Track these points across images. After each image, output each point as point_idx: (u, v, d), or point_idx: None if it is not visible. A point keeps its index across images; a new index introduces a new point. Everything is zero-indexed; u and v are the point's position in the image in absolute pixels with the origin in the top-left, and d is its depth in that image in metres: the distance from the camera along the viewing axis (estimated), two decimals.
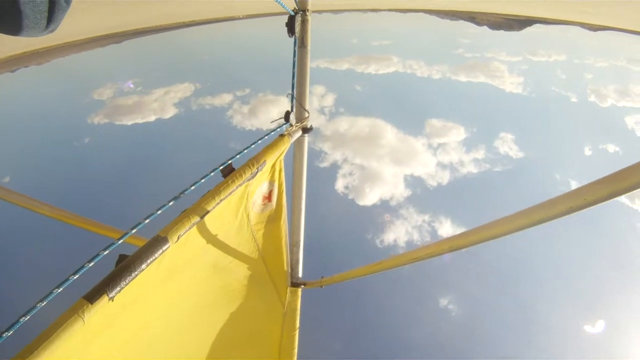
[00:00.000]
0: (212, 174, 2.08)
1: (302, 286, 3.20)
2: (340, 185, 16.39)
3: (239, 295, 2.77)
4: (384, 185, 16.47)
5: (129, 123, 20.34)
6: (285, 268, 3.13)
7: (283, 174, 2.63)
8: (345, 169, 17.30)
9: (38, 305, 1.39)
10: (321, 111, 21.72)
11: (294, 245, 3.07)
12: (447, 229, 14.41)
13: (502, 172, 17.37)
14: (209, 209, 1.91)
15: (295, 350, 2.95)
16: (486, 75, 26.81)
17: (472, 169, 17.59)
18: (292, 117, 2.58)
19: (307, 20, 2.36)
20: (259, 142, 2.37)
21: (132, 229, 1.71)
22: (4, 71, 25.25)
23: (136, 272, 1.56)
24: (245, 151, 2.29)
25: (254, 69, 27.22)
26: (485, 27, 38.75)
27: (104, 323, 1.51)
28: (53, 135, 19.26)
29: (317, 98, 22.96)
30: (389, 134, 19.99)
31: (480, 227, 1.56)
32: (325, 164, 17.55)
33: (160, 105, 21.88)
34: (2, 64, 25.23)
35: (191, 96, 23.33)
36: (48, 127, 20.17)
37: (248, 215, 2.51)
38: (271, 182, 2.59)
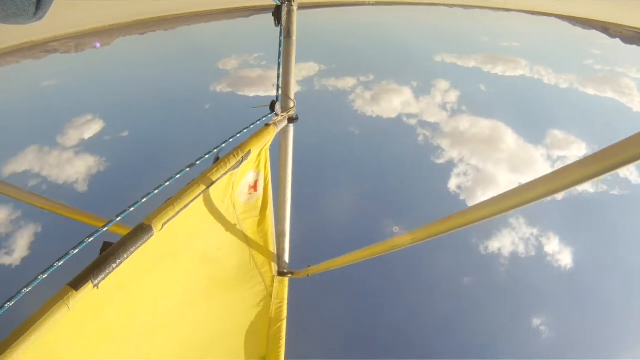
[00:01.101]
0: (197, 162, 2.08)
1: (289, 275, 3.19)
2: (453, 184, 16.09)
3: (226, 285, 2.81)
4: (497, 190, 15.79)
5: (251, 95, 20.79)
6: (272, 258, 3.12)
7: (269, 163, 2.62)
8: (460, 168, 16.94)
9: (23, 290, 1.43)
10: (443, 107, 21.18)
11: (280, 235, 3.08)
12: (554, 246, 13.63)
13: (618, 196, 16.15)
14: (193, 197, 1.93)
15: (283, 340, 2.98)
16: (614, 91, 24.86)
17: (588, 188, 16.54)
18: (278, 106, 2.55)
19: (292, 10, 2.37)
20: (245, 131, 2.36)
21: (117, 216, 1.75)
22: (134, 33, 26.79)
23: (120, 260, 1.58)
24: (231, 140, 2.29)
25: (379, 56, 27.03)
26: (617, 40, 36.16)
27: (89, 310, 1.54)
28: (174, 98, 20.29)
29: (441, 93, 22.47)
30: (509, 139, 19.23)
31: (468, 209, 1.47)
32: (441, 161, 17.22)
33: None
34: (132, 27, 26.73)
35: (315, 76, 23.59)
36: (170, 89, 21.27)
37: (234, 204, 2.53)
38: (257, 172, 2.59)
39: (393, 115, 20.06)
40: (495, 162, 17.74)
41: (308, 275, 2.96)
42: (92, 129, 17.35)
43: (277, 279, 3.16)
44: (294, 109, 2.62)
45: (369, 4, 35.81)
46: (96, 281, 1.49)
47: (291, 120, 2.64)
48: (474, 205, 1.44)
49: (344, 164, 15.91)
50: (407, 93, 22.00)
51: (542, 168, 17.49)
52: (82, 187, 14.01)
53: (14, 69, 23.26)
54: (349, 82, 22.91)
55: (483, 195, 15.52)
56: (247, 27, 30.78)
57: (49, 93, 20.71)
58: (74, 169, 14.84)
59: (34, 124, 17.69)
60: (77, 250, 1.58)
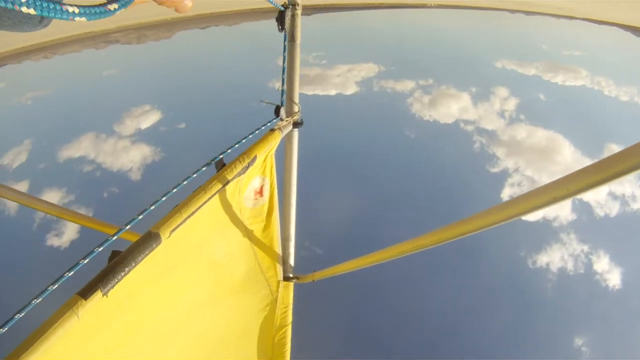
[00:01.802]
0: (203, 168, 2.10)
1: (295, 280, 3.22)
2: (505, 194, 15.64)
3: (232, 291, 2.83)
4: None
5: (309, 93, 20.84)
6: (278, 262, 3.15)
7: (274, 168, 2.64)
8: (514, 178, 16.52)
9: (33, 302, 1.43)
10: (501, 114, 20.77)
11: (285, 240, 3.11)
12: (603, 265, 13.14)
13: None
14: (200, 204, 1.95)
15: (289, 345, 3.00)
16: None
17: None
18: (283, 111, 2.59)
19: (296, 15, 2.42)
20: (250, 136, 2.38)
21: (126, 225, 1.75)
22: (195, 27, 27.39)
23: (129, 268, 1.59)
24: (236, 146, 2.31)
25: (440, 60, 26.57)
26: None
27: (99, 320, 1.55)
28: (232, 92, 20.63)
29: (499, 100, 21.97)
30: (566, 151, 18.70)
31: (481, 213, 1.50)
32: (495, 170, 16.81)
33: (342, 81, 22.30)
34: (193, 21, 27.32)
35: (374, 77, 23.31)
36: (229, 83, 21.80)
37: (240, 210, 2.55)
38: (262, 177, 2.61)
39: (450, 121, 19.82)
40: (551, 174, 17.25)
41: (313, 281, 2.98)
42: (149, 119, 17.86)
43: (283, 283, 3.20)
44: (298, 113, 2.64)
45: (430, 7, 35.40)
46: (105, 290, 1.50)
47: (296, 125, 2.68)
48: (480, 212, 1.49)
49: (399, 168, 15.88)
50: (465, 99, 21.64)
51: None
52: (135, 176, 14.39)
53: (75, 57, 24.04)
54: (407, 85, 22.65)
55: None
56: (308, 26, 30.52)
57: (109, 82, 21.34)
58: (129, 157, 15.27)
59: (92, 111, 18.24)
60: (87, 260, 1.59)
